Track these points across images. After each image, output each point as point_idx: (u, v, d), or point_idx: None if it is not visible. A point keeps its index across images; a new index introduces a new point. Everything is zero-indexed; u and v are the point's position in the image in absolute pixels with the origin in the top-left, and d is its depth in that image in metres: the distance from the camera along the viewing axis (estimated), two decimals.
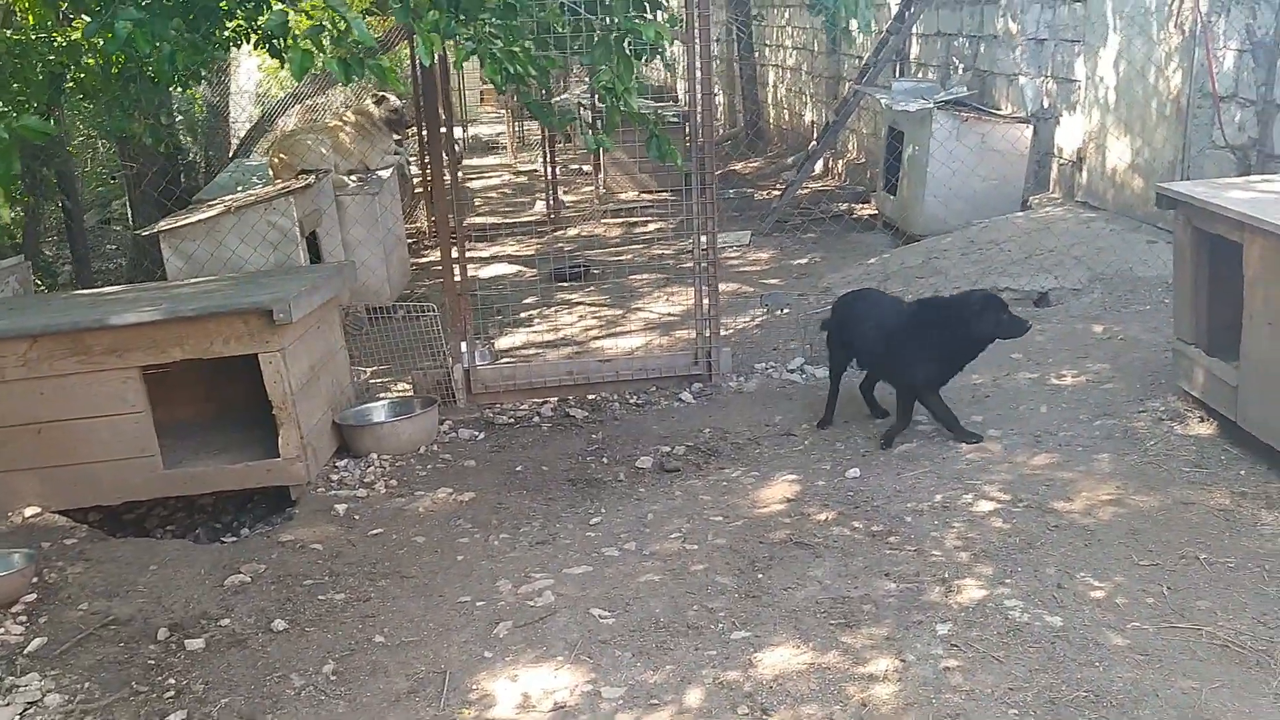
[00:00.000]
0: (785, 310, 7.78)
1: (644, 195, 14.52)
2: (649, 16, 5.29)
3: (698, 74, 5.87)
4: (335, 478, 5.23)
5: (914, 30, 11.83)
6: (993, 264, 7.84)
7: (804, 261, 9.77)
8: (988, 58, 10.11)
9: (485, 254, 11.41)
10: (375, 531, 4.67)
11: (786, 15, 17.04)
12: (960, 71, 10.69)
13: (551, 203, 12.67)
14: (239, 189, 8.34)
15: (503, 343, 7.89)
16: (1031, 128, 9.17)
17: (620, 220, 12.56)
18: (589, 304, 8.92)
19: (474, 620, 3.88)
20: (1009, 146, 9.14)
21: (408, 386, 6.34)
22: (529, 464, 5.39)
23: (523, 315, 8.61)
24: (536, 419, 6.03)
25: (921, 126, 9.25)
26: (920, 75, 11.74)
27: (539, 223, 12.59)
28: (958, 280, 7.72)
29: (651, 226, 12.38)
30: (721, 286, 9.08)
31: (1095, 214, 8.24)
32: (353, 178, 8.57)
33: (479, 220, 13.06)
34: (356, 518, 4.82)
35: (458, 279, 6.05)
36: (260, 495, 5.28)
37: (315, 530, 4.73)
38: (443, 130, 5.89)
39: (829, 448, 5.26)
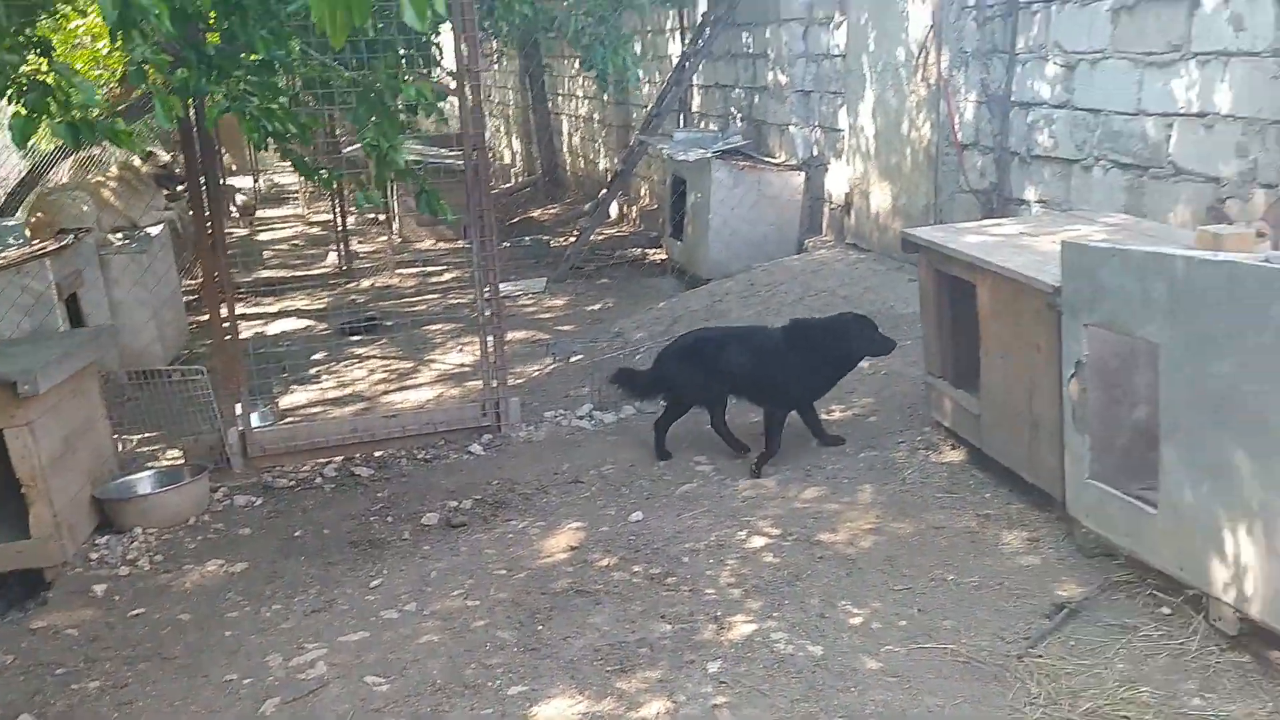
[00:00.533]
0: (575, 358, 7.86)
1: (440, 244, 14.45)
2: (424, 72, 5.34)
3: (470, 129, 5.89)
4: (95, 556, 4.93)
5: (695, 81, 12.30)
6: (771, 305, 8.19)
7: (597, 307, 9.93)
8: (762, 108, 10.60)
9: (273, 309, 11.08)
10: (136, 611, 4.43)
11: (576, 65, 17.35)
12: (738, 121, 11.15)
13: (342, 254, 12.43)
14: None
15: (288, 401, 7.67)
16: (804, 175, 9.65)
17: (416, 270, 12.41)
18: (380, 358, 8.78)
19: (240, 700, 3.72)
20: (784, 193, 9.60)
21: (180, 454, 6.06)
22: (309, 528, 5.23)
23: (310, 372, 8.38)
24: (319, 480, 5.87)
25: (702, 175, 9.60)
26: (702, 125, 12.19)
27: (330, 275, 12.32)
28: (740, 321, 8.01)
29: (447, 275, 12.32)
30: (517, 334, 9.22)
31: (863, 255, 8.74)
32: (118, 236, 8.17)
33: (267, 274, 12.70)
34: (117, 598, 4.56)
35: (229, 338, 5.83)
36: (12, 579, 4.92)
37: (71, 614, 4.44)
38: (208, 184, 5.70)
39: (615, 493, 5.34)
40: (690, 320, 8.33)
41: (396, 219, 14.74)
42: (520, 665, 3.75)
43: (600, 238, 14.02)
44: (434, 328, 9.57)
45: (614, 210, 15.33)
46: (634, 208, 14.58)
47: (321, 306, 11.05)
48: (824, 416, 5.92)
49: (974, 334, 4.83)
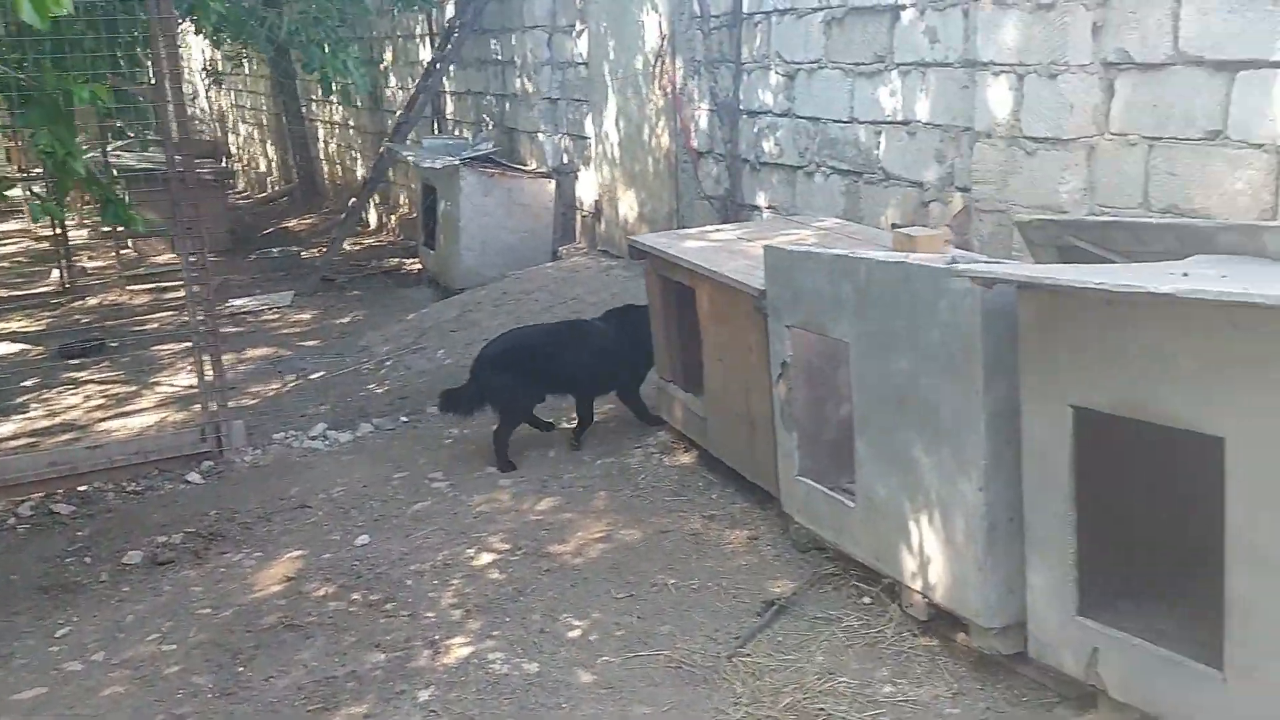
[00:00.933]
0: (299, 376, 7.49)
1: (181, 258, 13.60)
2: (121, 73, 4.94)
3: (172, 134, 5.49)
4: None
5: (447, 88, 12.08)
6: (522, 314, 8.09)
7: (346, 320, 9.57)
8: (513, 116, 10.51)
9: None
10: None
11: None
12: (490, 128, 11.02)
13: (64, 270, 11.49)
14: None
15: None
16: (554, 182, 9.61)
17: (150, 286, 11.61)
18: (100, 382, 8.11)
19: None
20: (535, 200, 9.53)
21: None
22: None
23: (18, 401, 7.64)
24: (12, 520, 5.32)
25: (451, 183, 9.41)
26: (457, 132, 11.99)
27: (52, 294, 11.37)
28: (491, 330, 7.87)
29: (184, 291, 11.57)
30: (256, 351, 8.75)
31: (614, 262, 8.78)
32: None
33: None
34: None
35: None
36: None
37: None
38: None
39: (343, 516, 5.10)
40: (440, 332, 8.14)
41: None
42: (214, 712, 3.48)
43: (358, 248, 13.59)
44: (163, 348, 8.94)
45: (373, 219, 14.91)
46: (394, 216, 14.20)
47: (41, 328, 10.16)
48: (565, 426, 5.88)
49: (700, 338, 4.89)
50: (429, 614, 4.01)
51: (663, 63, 7.73)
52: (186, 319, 10.07)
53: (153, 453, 5.79)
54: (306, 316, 9.89)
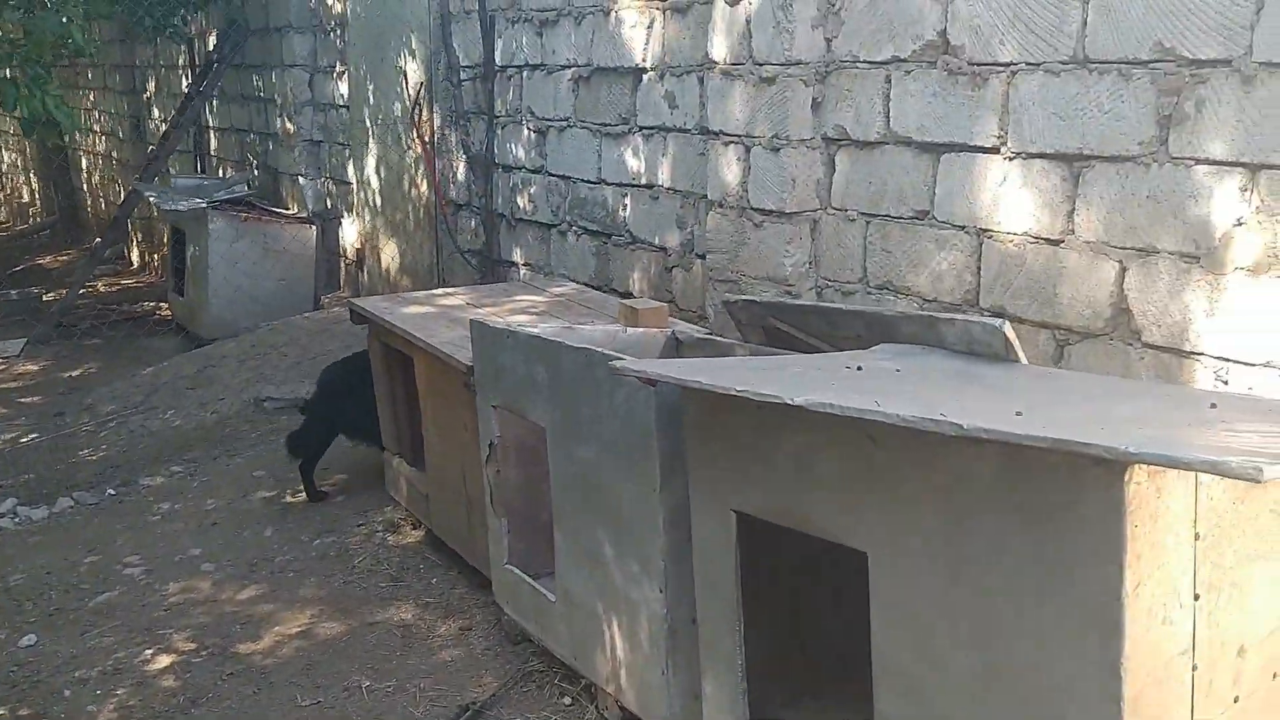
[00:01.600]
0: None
1: None
2: None
3: None
4: None
5: (211, 124, 11.44)
6: (265, 370, 7.60)
7: (78, 373, 8.80)
8: (275, 156, 10.00)
9: None
10: None
11: (92, 97, 15.69)
12: (254, 168, 10.47)
13: None
14: None
15: None
16: (316, 228, 9.16)
17: None
18: None
19: None
20: (293, 246, 9.05)
21: None
22: None
23: None
24: None
25: (199, 227, 8.83)
26: (221, 170, 11.36)
27: None
28: (229, 389, 7.37)
29: None
30: None
31: None
32: None
33: None
34: None
35: None
36: None
37: None
38: None
39: (15, 611, 4.54)
40: (175, 390, 7.54)
41: None
42: None
43: (114, 289, 12.69)
44: None
45: (136, 258, 13.97)
46: (157, 255, 13.31)
47: None
48: (288, 499, 5.47)
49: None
50: None
51: (420, 111, 7.46)
52: None
53: None
54: (35, 368, 9.06)
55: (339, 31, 8.66)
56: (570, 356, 3.19)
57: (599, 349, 3.08)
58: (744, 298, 3.76)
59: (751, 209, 4.77)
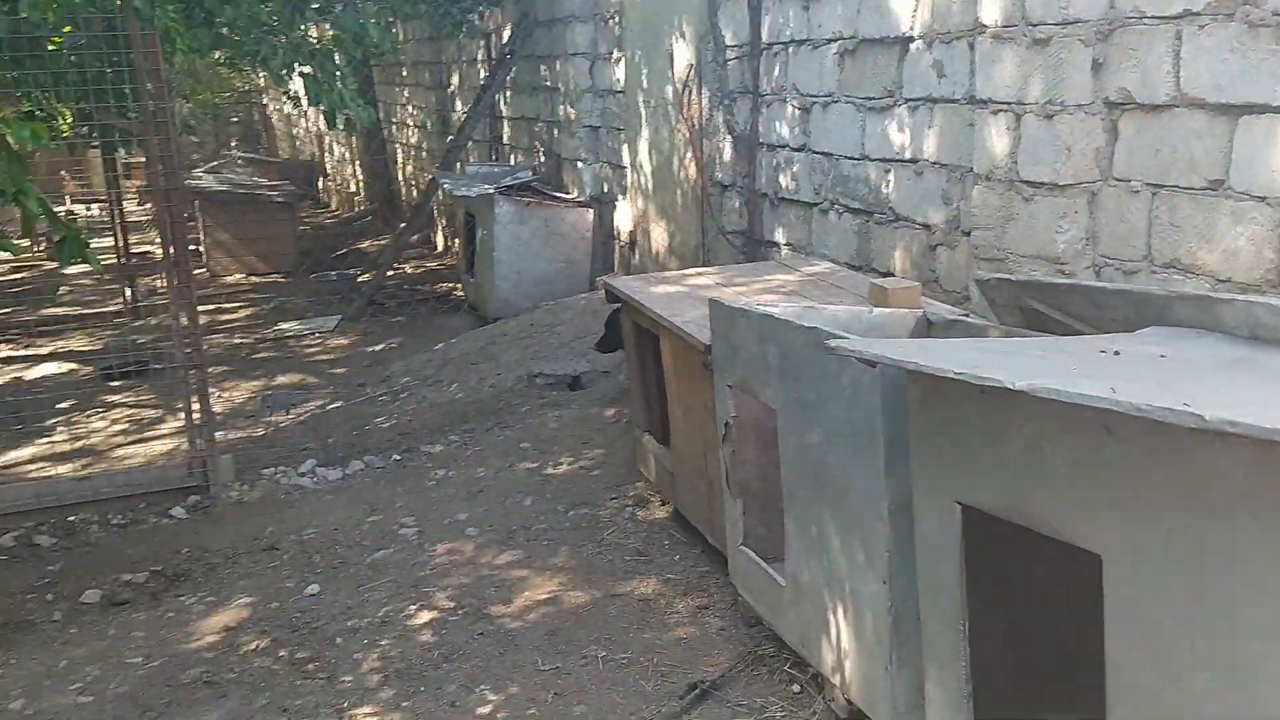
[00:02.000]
0: (291, 411, 7.43)
1: (251, 277, 13.90)
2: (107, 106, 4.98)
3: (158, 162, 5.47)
4: None
5: (505, 114, 12.07)
6: (542, 348, 7.94)
7: (380, 348, 9.56)
8: (560, 143, 10.40)
9: (45, 350, 10.40)
10: None
11: (407, 93, 16.99)
12: (541, 155, 10.94)
13: (130, 291, 11.78)
14: None
15: (15, 456, 7.10)
16: (593, 211, 9.46)
17: (209, 309, 11.83)
18: (131, 405, 8.24)
19: None
20: (573, 230, 9.39)
21: None
22: None
23: (48, 423, 7.79)
24: None
25: (487, 211, 9.34)
26: (513, 157, 11.96)
27: (116, 313, 11.65)
28: (506, 366, 7.76)
29: (242, 313, 11.80)
30: (285, 378, 8.78)
31: None
32: None
33: (54, 312, 12.00)
34: None
35: None
36: None
37: None
38: None
39: (305, 562, 4.98)
40: (460, 365, 8.04)
41: (205, 253, 14.15)
42: None
43: (419, 271, 13.69)
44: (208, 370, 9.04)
45: (440, 242, 15.02)
46: (457, 239, 14.25)
47: (96, 347, 10.40)
48: (549, 470, 5.70)
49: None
50: (346, 678, 3.85)
51: (690, 92, 7.51)
52: (237, 341, 10.40)
53: (139, 486, 5.79)
54: (345, 342, 9.92)
55: (616, 18, 8.86)
56: (799, 336, 3.10)
57: (824, 328, 2.96)
58: (998, 276, 3.50)
59: (1021, 181, 4.45)
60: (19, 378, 9.35)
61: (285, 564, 4.98)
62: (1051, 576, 2.53)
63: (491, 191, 9.16)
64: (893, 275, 5.54)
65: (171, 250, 5.71)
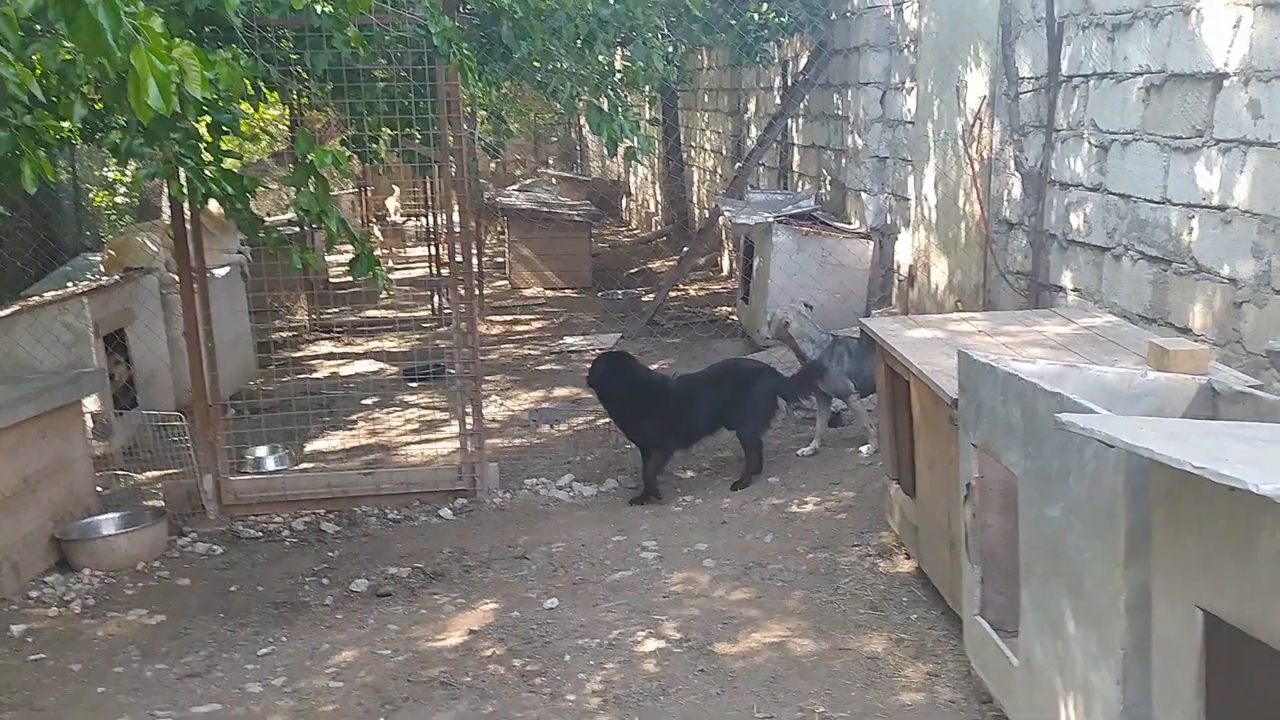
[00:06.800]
0: (556, 425, 7.67)
1: (548, 291, 14.65)
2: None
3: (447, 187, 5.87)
4: (35, 595, 5.11)
5: (797, 141, 12.06)
6: None
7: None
8: (845, 172, 10.26)
9: (360, 349, 11.43)
10: (36, 657, 4.54)
11: (706, 119, 17.35)
12: (828, 184, 10.84)
13: (439, 298, 12.72)
14: (69, 284, 8.36)
15: (319, 445, 7.83)
16: (873, 243, 9.25)
17: (506, 319, 12.60)
18: (422, 406, 8.88)
19: None
20: (850, 260, 9.22)
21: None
22: (247, 583, 5.29)
23: (353, 417, 8.55)
24: (285, 533, 5.94)
25: (765, 239, 9.34)
26: (801, 185, 11.92)
27: (426, 319, 12.62)
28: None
29: (535, 325, 12.44)
30: (560, 390, 9.16)
31: None
32: None
33: (374, 313, 13.18)
34: (29, 640, 4.70)
35: (208, 385, 5.99)
36: None
37: None
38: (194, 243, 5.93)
39: (550, 575, 5.17)
40: None
41: (508, 266, 15.07)
42: None
43: (702, 293, 13.92)
44: (492, 378, 9.62)
45: (726, 265, 15.20)
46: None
47: (405, 350, 11.31)
48: (793, 508, 5.61)
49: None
50: (569, 697, 3.95)
51: (980, 125, 7.18)
52: (527, 352, 10.99)
53: (415, 485, 6.22)
54: None
55: (912, 47, 8.63)
56: (1043, 400, 2.87)
57: (1070, 395, 2.72)
58: None
59: None
60: (336, 373, 10.31)
61: (532, 574, 5.19)
62: None
63: (769, 220, 9.15)
64: (1190, 332, 5.04)
65: (459, 265, 6.10)
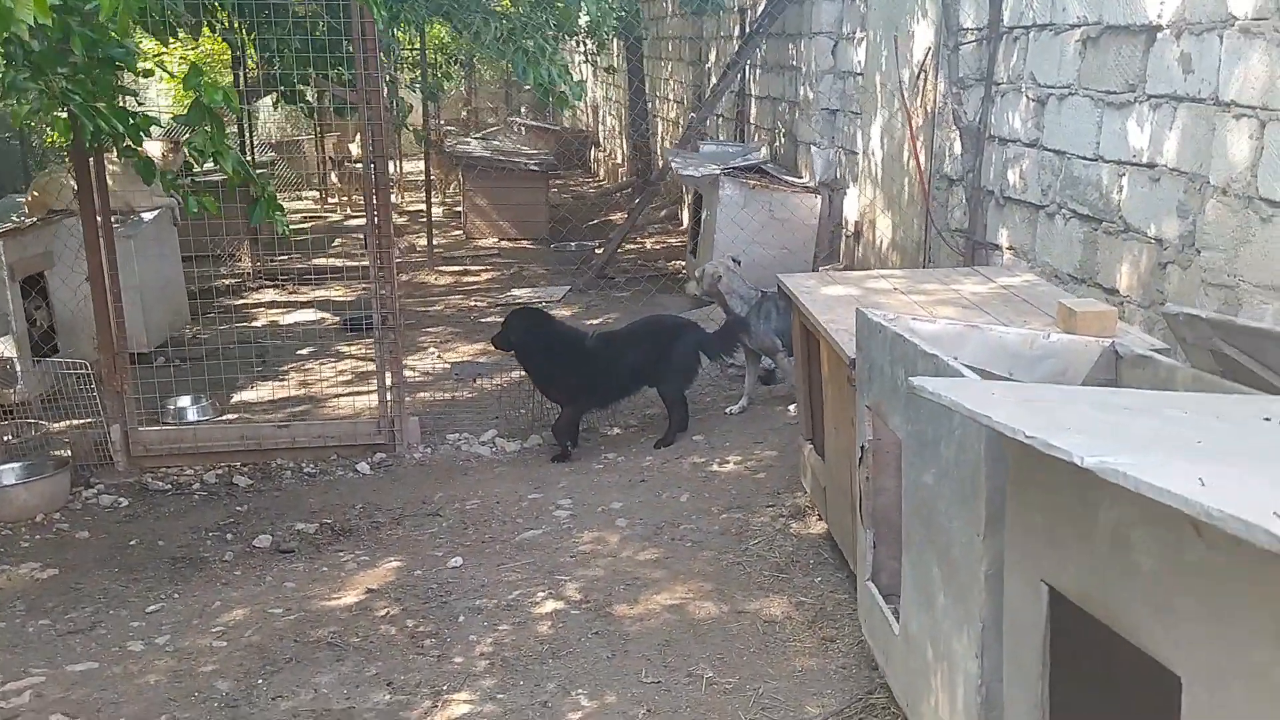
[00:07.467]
0: (481, 379, 7.51)
1: (503, 242, 14.42)
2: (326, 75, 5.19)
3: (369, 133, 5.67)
4: None
5: (754, 93, 11.83)
6: None
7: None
8: (797, 124, 10.07)
9: (305, 298, 11.20)
10: None
11: (670, 68, 17.06)
12: (781, 137, 10.64)
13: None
14: None
15: (247, 395, 7.65)
16: (822, 197, 9.08)
17: (456, 269, 12.38)
18: (358, 357, 8.69)
19: None
20: (797, 215, 9.05)
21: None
22: (147, 537, 5.14)
23: (285, 367, 8.36)
24: (196, 486, 5.79)
25: (712, 191, 9.16)
26: (757, 137, 11.71)
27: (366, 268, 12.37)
28: None
29: (484, 276, 12.24)
30: None
31: None
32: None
33: (321, 262, 12.91)
34: None
35: (114, 333, 5.80)
36: None
37: None
38: (96, 184, 5.70)
39: (459, 532, 5.06)
40: None
41: (464, 216, 14.82)
42: None
43: (659, 246, 13.74)
44: (434, 330, 9.45)
45: (687, 218, 15.00)
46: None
47: (350, 299, 11.09)
48: (714, 467, 5.50)
49: None
50: (457, 659, 3.84)
51: (925, 77, 7.01)
52: (472, 304, 10.81)
53: (333, 439, 6.08)
54: (568, 313, 10.05)
55: None
56: (924, 362, 2.74)
57: (945, 357, 2.60)
58: (1186, 311, 2.97)
59: (1260, 199, 3.80)
60: (275, 321, 10.10)
61: (441, 531, 5.07)
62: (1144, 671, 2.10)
63: (716, 172, 8.97)
64: (1116, 293, 4.94)
65: (376, 218, 5.92)
